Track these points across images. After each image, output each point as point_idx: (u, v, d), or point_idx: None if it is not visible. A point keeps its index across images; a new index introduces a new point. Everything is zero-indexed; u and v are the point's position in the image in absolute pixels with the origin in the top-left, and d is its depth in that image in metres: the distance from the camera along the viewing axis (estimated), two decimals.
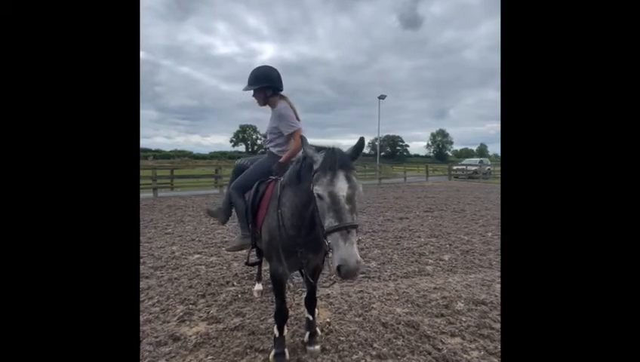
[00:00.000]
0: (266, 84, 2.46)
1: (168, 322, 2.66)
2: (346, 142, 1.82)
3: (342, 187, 1.51)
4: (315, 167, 1.59)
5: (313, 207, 1.63)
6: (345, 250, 1.41)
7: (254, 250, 2.49)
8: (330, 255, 1.51)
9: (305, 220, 1.82)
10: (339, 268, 1.41)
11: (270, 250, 2.04)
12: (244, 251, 2.62)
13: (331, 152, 1.58)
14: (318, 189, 1.53)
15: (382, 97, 27.11)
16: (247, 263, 2.67)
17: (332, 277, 2.17)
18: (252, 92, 2.54)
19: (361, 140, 1.62)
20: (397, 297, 3.16)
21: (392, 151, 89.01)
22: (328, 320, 2.70)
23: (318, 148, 1.71)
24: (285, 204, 1.92)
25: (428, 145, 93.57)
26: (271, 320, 2.59)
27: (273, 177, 2.29)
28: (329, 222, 1.48)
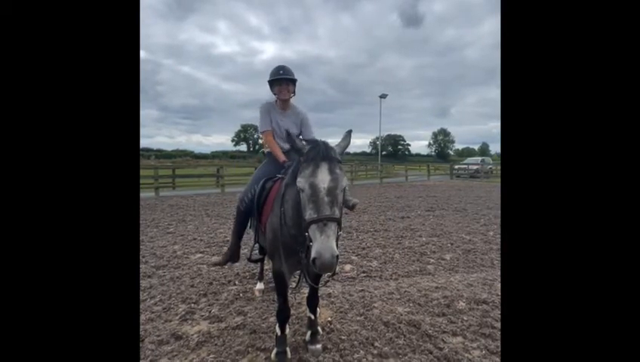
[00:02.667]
0: (295, 78, 2.58)
1: (170, 321, 2.67)
2: None
3: (323, 179, 1.47)
4: (302, 159, 1.58)
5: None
6: (321, 243, 1.37)
7: (257, 246, 2.50)
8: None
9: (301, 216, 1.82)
10: (314, 260, 1.37)
11: (273, 249, 2.05)
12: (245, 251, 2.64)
13: (315, 144, 1.57)
14: (300, 181, 1.51)
15: (383, 96, 27.08)
16: (249, 259, 2.68)
17: (327, 276, 2.16)
18: (269, 86, 2.61)
19: (348, 133, 1.62)
20: (398, 296, 3.16)
21: (394, 150, 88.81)
22: (330, 319, 2.70)
23: (308, 143, 1.70)
24: (288, 201, 1.92)
25: (429, 144, 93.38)
26: (272, 319, 2.59)
27: (280, 175, 2.27)
28: (308, 214, 1.45)
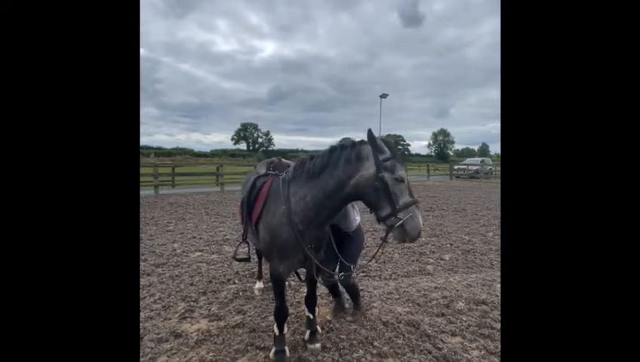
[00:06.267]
0: None
1: (170, 319, 2.67)
2: None
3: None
4: (384, 156, 1.79)
5: (369, 193, 1.79)
6: (420, 218, 1.76)
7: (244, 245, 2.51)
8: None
9: (324, 211, 1.89)
10: (419, 232, 1.74)
11: (270, 249, 2.02)
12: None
13: (394, 144, 1.85)
14: (400, 173, 1.78)
15: (383, 96, 27.08)
16: (234, 258, 2.70)
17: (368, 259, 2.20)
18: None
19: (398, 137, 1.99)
20: (398, 296, 3.16)
21: None
22: (329, 318, 2.70)
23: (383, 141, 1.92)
24: (293, 199, 1.92)
25: (429, 144, 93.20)
26: (272, 318, 2.59)
27: (272, 172, 2.23)
28: (406, 199, 1.76)
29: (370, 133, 1.80)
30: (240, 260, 2.76)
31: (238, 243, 2.59)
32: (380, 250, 2.08)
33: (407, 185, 1.78)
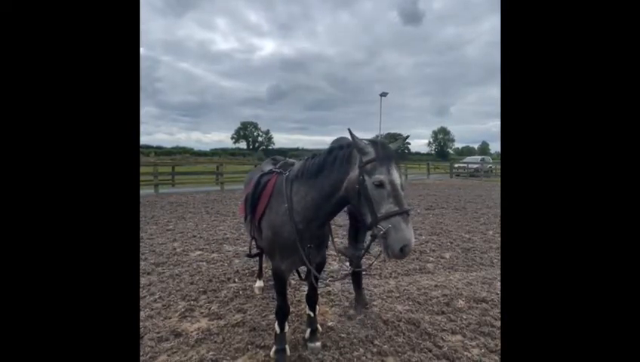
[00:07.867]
0: None
1: (170, 318, 2.67)
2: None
3: (397, 176, 1.62)
4: (367, 158, 1.64)
5: (353, 197, 1.66)
6: (408, 232, 1.51)
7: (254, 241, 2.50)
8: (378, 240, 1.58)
9: (321, 212, 1.85)
10: (403, 248, 1.50)
11: (271, 247, 2.03)
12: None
13: (384, 145, 1.69)
14: (379, 177, 1.59)
15: (384, 94, 27.06)
16: (248, 255, 2.70)
17: (347, 269, 2.21)
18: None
19: (404, 138, 1.92)
20: (398, 294, 3.16)
21: None
22: (330, 323, 2.70)
23: (370, 142, 1.74)
24: (294, 198, 1.91)
25: (429, 142, 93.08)
26: (272, 316, 2.60)
27: (276, 170, 2.23)
28: (388, 207, 1.55)
29: (349, 132, 1.71)
30: (253, 256, 2.77)
31: (249, 240, 2.58)
32: (365, 255, 1.94)
33: (390, 191, 1.56)
